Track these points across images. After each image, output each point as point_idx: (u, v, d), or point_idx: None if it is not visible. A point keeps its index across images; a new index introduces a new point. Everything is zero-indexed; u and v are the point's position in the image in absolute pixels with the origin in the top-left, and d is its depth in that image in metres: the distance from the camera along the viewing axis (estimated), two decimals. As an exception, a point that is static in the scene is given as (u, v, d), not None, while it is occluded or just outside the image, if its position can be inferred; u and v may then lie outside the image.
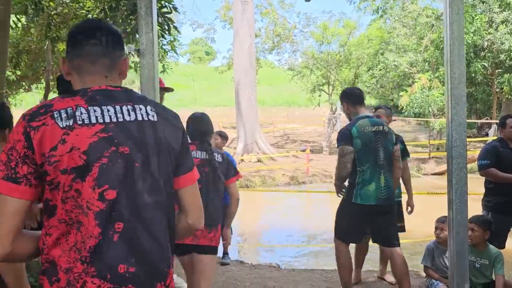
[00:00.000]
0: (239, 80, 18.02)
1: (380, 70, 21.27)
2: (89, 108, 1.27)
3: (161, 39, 5.04)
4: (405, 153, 4.43)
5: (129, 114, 1.31)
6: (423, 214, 6.02)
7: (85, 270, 1.20)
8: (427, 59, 19.50)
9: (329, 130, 19.71)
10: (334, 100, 21.50)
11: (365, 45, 22.38)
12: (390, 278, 4.43)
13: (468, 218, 2.83)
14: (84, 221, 1.21)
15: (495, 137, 4.45)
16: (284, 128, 25.26)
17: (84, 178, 1.21)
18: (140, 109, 1.34)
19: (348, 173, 3.58)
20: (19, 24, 6.48)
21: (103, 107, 1.28)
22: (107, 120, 1.27)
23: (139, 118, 1.32)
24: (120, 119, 1.29)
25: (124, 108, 1.32)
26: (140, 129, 1.31)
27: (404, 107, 18.01)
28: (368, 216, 3.62)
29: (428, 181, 12.99)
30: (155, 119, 1.35)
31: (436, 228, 4.05)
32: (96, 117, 1.26)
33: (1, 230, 1.20)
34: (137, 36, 4.60)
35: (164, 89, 3.86)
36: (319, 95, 22.99)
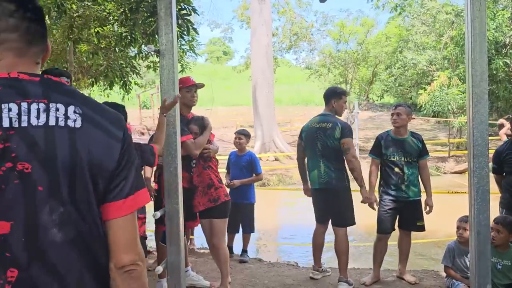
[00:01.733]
0: (257, 79, 18.05)
1: (398, 68, 21.05)
2: None
3: (180, 39, 5.10)
4: (424, 152, 4.40)
5: (37, 116, 0.96)
6: (443, 213, 5.96)
7: None
8: (447, 57, 19.22)
9: (346, 129, 19.57)
10: (351, 99, 21.39)
11: (383, 43, 22.20)
12: (409, 277, 4.40)
13: (491, 218, 2.79)
14: None
15: None
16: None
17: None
18: (57, 109, 0.98)
19: (299, 160, 4.55)
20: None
21: (3, 105, 0.94)
22: (6, 124, 0.93)
23: (51, 122, 0.97)
24: (24, 123, 0.95)
25: (33, 106, 0.96)
26: (49, 139, 0.96)
27: (423, 106, 17.80)
28: (317, 198, 4.35)
29: (447, 180, 12.82)
30: (77, 125, 0.99)
31: (458, 228, 4.01)
32: None
33: None
34: (156, 37, 4.67)
35: (195, 86, 3.91)
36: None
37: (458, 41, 17.80)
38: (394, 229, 4.43)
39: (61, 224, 0.96)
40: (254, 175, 5.34)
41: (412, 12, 20.53)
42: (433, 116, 18.96)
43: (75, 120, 0.99)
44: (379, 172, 4.42)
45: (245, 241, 5.41)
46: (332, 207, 4.25)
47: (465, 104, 11.98)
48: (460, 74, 17.49)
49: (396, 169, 4.29)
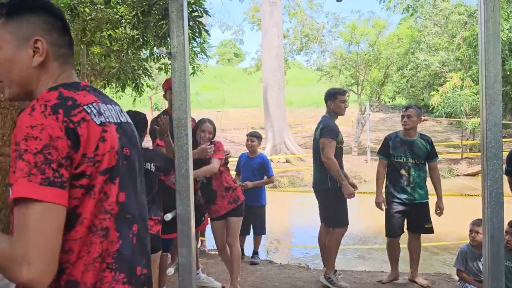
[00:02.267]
0: (268, 81, 18.05)
1: (410, 69, 20.89)
2: (104, 104, 1.18)
3: (191, 41, 5.12)
4: (433, 155, 4.37)
5: (120, 115, 1.25)
6: (456, 216, 5.90)
7: (114, 277, 1.11)
8: (459, 58, 19.04)
9: (357, 130, 19.50)
10: (363, 101, 21.32)
11: (395, 45, 22.03)
12: (421, 280, 4.37)
13: (504, 221, 2.75)
14: (109, 226, 1.12)
15: None
16: (313, 129, 25.13)
17: (114, 179, 1.13)
18: (122, 110, 1.31)
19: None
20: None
21: (107, 106, 1.20)
22: (115, 120, 1.21)
23: (127, 119, 1.30)
24: (118, 120, 1.22)
25: (116, 108, 1.25)
26: (132, 130, 1.28)
27: (435, 107, 17.64)
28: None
29: (460, 182, 12.69)
30: (131, 122, 1.34)
31: (470, 231, 3.97)
32: (109, 116, 1.19)
33: (54, 249, 1.00)
34: (168, 39, 4.69)
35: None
36: (348, 96, 22.71)
37: (471, 42, 17.63)
38: (403, 232, 4.40)
39: (143, 191, 1.29)
40: (265, 177, 5.34)
41: (424, 13, 20.35)
42: (445, 118, 18.78)
43: (128, 118, 1.31)
44: (386, 173, 4.42)
45: (256, 243, 5.41)
46: (320, 208, 4.37)
47: (478, 105, 11.81)
48: (473, 75, 17.31)
49: (402, 171, 4.27)
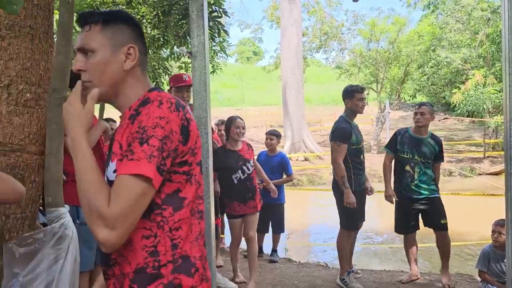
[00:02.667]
0: (286, 79, 18.03)
1: (431, 67, 20.56)
2: None
3: (210, 40, 5.15)
4: (440, 157, 4.35)
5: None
6: (478, 216, 5.81)
7: (205, 253, 1.31)
8: (482, 55, 18.67)
9: (377, 128, 19.32)
10: (382, 99, 21.10)
11: (416, 42, 21.70)
12: (444, 280, 4.31)
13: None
14: (202, 209, 1.30)
15: None
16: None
17: (201, 171, 1.31)
18: None
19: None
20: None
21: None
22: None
23: None
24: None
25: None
26: None
27: (457, 105, 17.33)
28: None
29: (483, 182, 12.47)
30: None
31: (493, 232, 3.91)
32: None
33: (135, 225, 1.13)
34: (188, 39, 4.73)
35: (185, 86, 3.67)
36: (367, 94, 22.53)
37: (494, 38, 17.26)
38: (414, 229, 4.36)
39: None
40: (284, 175, 5.35)
41: (445, 9, 20.02)
42: (467, 116, 18.46)
43: None
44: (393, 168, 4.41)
45: (275, 241, 5.42)
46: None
47: (501, 103, 11.61)
48: (496, 73, 16.96)
49: (407, 167, 4.25)
